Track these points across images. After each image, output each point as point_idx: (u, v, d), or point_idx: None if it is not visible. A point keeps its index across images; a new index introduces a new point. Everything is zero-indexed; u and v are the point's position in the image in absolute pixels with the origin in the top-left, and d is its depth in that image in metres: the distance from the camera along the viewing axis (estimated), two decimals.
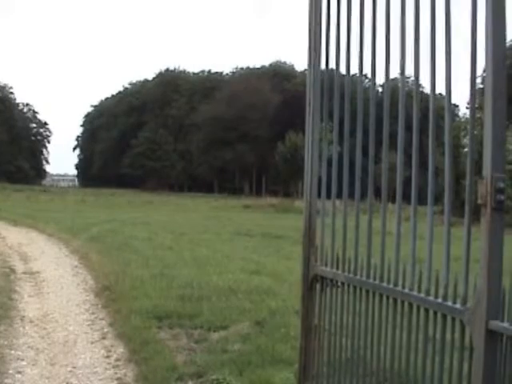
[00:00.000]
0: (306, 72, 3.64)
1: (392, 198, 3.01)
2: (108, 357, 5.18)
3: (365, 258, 3.14)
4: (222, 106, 74.28)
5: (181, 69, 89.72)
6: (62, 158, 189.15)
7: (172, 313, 6.44)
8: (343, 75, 3.34)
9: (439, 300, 2.59)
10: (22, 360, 4.98)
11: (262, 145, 72.36)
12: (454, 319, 2.52)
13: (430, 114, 2.65)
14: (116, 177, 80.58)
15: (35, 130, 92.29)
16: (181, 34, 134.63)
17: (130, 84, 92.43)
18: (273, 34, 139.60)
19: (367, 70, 3.15)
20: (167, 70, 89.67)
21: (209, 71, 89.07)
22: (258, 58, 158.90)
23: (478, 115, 2.58)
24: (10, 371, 4.68)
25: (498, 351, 2.30)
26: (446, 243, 2.56)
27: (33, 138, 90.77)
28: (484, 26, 2.31)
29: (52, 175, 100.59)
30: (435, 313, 2.63)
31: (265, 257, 11.96)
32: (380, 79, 3.06)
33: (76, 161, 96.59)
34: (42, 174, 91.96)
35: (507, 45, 2.43)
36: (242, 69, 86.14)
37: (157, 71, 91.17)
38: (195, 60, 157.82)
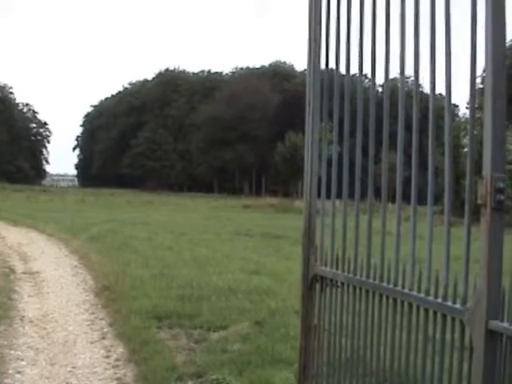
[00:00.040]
0: (306, 72, 3.63)
1: (392, 198, 3.00)
2: (108, 357, 5.18)
3: (364, 258, 3.14)
4: (221, 106, 74.25)
5: (180, 69, 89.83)
6: (61, 158, 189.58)
7: (172, 313, 6.44)
8: (343, 75, 3.34)
9: (439, 300, 2.59)
10: (22, 360, 4.98)
11: (261, 145, 72.32)
12: (453, 319, 2.51)
13: (429, 114, 2.64)
14: (116, 177, 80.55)
15: (35, 130, 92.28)
16: (181, 34, 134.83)
17: (129, 84, 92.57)
18: (273, 34, 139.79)
19: (367, 70, 3.15)
20: (167, 69, 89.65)
21: (208, 71, 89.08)
22: (258, 58, 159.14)
23: (478, 115, 2.58)
24: (10, 371, 4.68)
25: (497, 351, 2.30)
26: (446, 243, 2.56)
27: (33, 138, 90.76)
28: (484, 26, 2.30)
29: (52, 175, 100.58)
30: (435, 313, 2.62)
31: (264, 257, 11.96)
32: (380, 79, 3.07)
33: (76, 161, 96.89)
34: (41, 173, 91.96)
35: (507, 45, 2.43)
36: (241, 69, 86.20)
37: (156, 71, 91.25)
38: (195, 60, 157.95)
